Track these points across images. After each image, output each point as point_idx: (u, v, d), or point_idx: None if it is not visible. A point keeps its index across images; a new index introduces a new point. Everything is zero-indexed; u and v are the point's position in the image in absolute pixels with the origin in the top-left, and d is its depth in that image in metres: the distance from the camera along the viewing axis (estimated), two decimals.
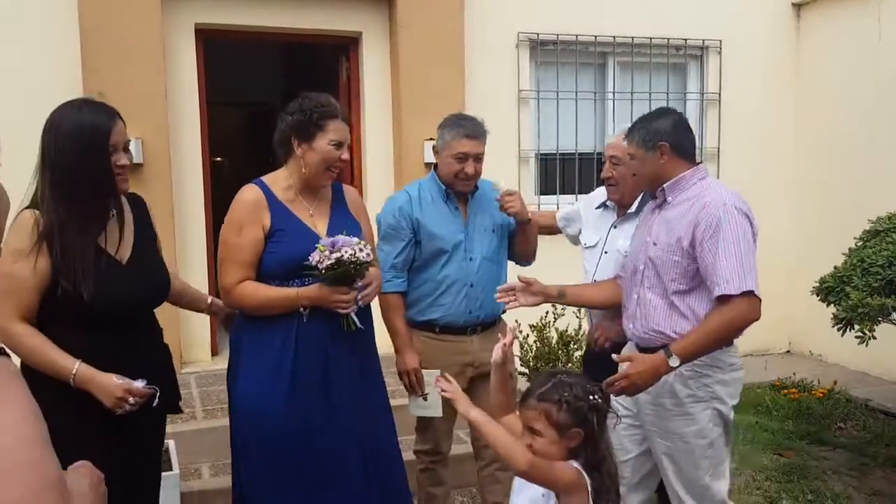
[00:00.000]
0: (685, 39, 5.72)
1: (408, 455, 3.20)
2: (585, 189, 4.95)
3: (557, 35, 5.35)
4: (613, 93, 5.65)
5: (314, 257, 2.29)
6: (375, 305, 2.62)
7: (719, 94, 5.86)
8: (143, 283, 2.19)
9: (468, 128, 2.88)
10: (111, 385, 2.02)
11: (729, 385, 2.45)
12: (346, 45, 5.10)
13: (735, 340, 2.45)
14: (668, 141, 2.44)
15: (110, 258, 2.11)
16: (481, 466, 3.05)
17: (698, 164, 2.51)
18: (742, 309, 2.28)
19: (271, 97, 7.52)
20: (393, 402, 3.90)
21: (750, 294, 2.27)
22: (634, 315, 2.53)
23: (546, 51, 5.41)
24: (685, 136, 2.50)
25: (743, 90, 5.88)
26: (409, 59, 4.90)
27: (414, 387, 2.90)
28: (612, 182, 2.84)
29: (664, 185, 2.46)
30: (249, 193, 2.46)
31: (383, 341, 2.80)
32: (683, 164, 2.46)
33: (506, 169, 5.15)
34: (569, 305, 3.07)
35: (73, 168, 2.02)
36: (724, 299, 2.28)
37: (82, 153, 2.02)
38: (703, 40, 5.79)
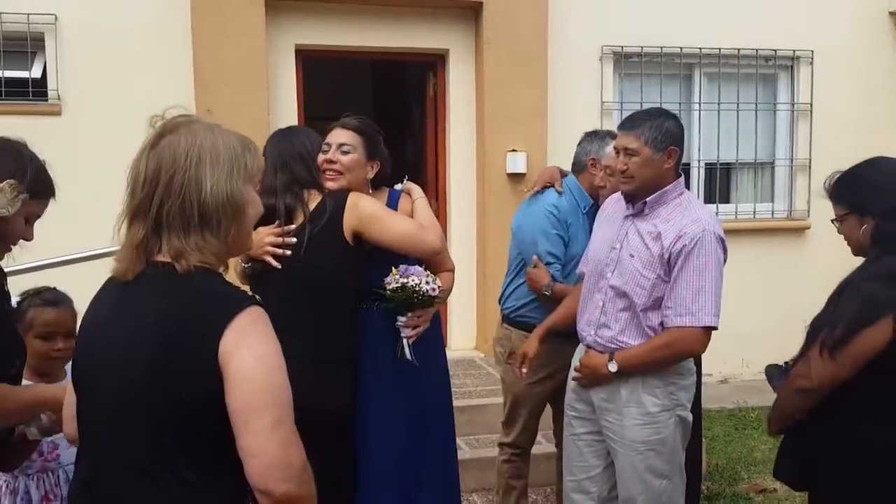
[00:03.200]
0: (775, 50, 5.65)
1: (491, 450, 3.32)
2: None
3: (642, 47, 5.42)
4: (700, 103, 5.65)
5: (387, 279, 2.43)
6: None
7: (811, 105, 5.75)
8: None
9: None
10: None
11: (689, 390, 2.48)
12: (434, 63, 5.34)
13: None
14: (679, 147, 2.38)
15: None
16: None
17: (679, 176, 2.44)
18: (691, 341, 2.31)
19: (365, 112, 7.87)
20: (476, 401, 4.07)
21: (705, 329, 2.28)
22: (597, 322, 2.48)
23: (630, 63, 5.48)
24: (682, 146, 2.43)
25: (837, 101, 5.75)
26: (494, 75, 5.09)
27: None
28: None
29: (647, 199, 2.39)
30: None
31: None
32: (673, 176, 2.40)
33: None
34: (546, 302, 2.96)
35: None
36: (680, 327, 2.30)
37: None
38: (794, 51, 5.70)
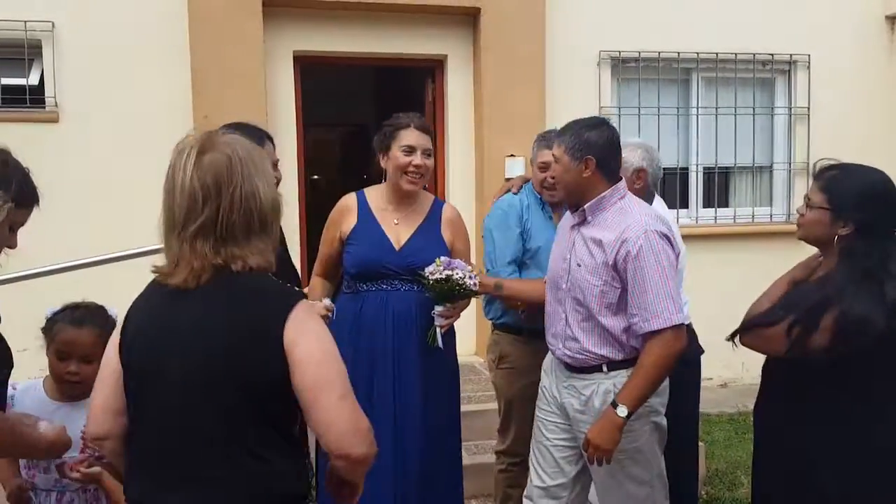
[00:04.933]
0: (772, 54, 5.66)
1: (489, 456, 3.32)
2: (668, 204, 4.97)
3: (639, 52, 5.42)
4: (697, 108, 5.66)
5: (429, 268, 2.51)
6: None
7: (808, 109, 5.75)
8: None
9: (549, 139, 2.98)
10: None
11: (661, 395, 2.46)
12: (432, 68, 5.34)
13: None
14: (596, 156, 2.38)
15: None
16: None
17: (618, 180, 2.45)
18: (670, 342, 2.28)
19: (363, 118, 7.89)
20: (477, 406, 4.04)
21: (675, 327, 2.28)
22: (563, 335, 2.48)
23: (628, 68, 5.48)
24: (614, 155, 2.44)
25: (834, 105, 5.75)
26: (492, 80, 5.09)
27: None
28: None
29: (585, 206, 2.41)
30: (343, 200, 2.77)
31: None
32: (605, 183, 2.41)
33: None
34: (506, 300, 2.96)
35: None
36: (651, 334, 2.28)
37: None
38: (791, 55, 5.71)
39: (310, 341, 1.44)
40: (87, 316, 2.08)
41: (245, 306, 1.44)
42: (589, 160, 2.38)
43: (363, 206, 2.73)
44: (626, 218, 2.36)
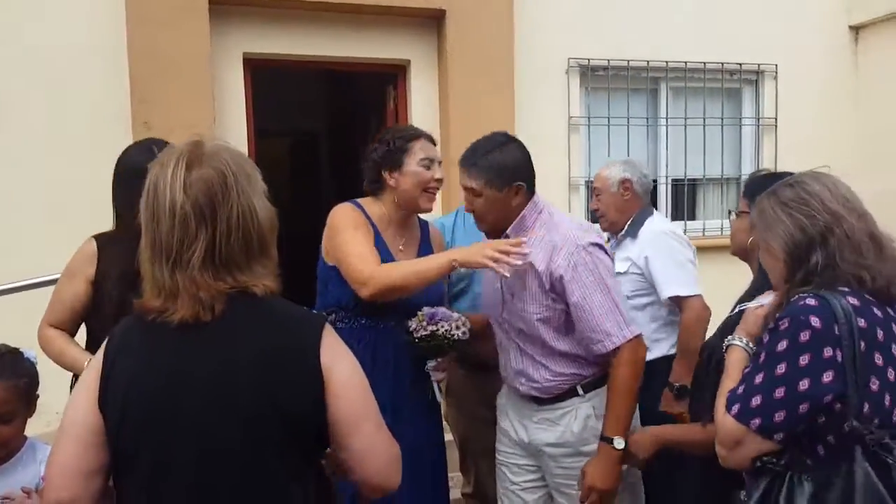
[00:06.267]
0: (740, 64, 5.55)
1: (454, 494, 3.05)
2: None
3: (608, 60, 5.23)
4: (666, 118, 5.49)
5: (412, 323, 2.23)
6: None
7: (776, 120, 5.66)
8: None
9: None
10: None
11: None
12: (394, 74, 5.03)
13: None
14: (524, 179, 2.18)
15: None
16: None
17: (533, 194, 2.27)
18: (632, 353, 2.14)
19: (316, 126, 7.51)
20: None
21: (633, 339, 2.14)
22: (522, 369, 2.27)
23: (597, 76, 5.28)
24: (532, 169, 2.26)
25: (800, 115, 5.68)
26: (458, 87, 4.81)
27: None
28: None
29: (508, 231, 2.23)
30: (354, 211, 2.36)
31: None
32: (525, 202, 2.23)
33: (556, 196, 5.01)
34: None
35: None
36: (613, 352, 2.13)
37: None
38: (759, 65, 5.61)
39: (345, 367, 1.36)
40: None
41: (278, 334, 1.32)
42: (519, 187, 2.19)
43: (373, 224, 2.36)
44: (553, 235, 2.18)
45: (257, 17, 4.62)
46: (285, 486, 1.31)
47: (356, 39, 4.78)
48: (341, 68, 5.11)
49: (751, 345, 1.70)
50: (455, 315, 2.26)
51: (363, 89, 5.91)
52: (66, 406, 1.37)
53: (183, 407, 1.27)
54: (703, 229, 5.66)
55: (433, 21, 4.89)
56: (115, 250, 2.10)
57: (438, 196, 4.82)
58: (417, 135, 2.37)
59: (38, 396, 1.82)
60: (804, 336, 1.49)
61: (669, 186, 5.58)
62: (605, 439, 2.10)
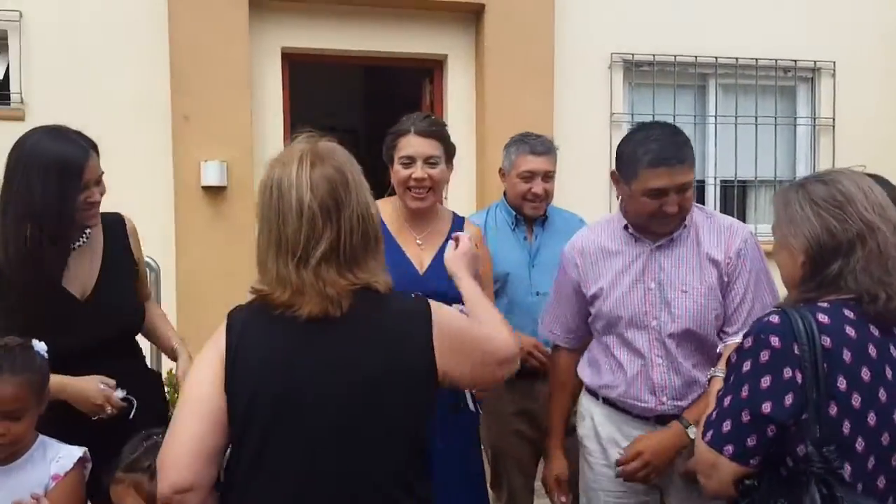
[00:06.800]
0: (795, 61, 5.29)
1: None
2: None
3: (654, 56, 5.05)
4: (715, 117, 5.28)
5: None
6: None
7: (833, 120, 5.38)
8: (103, 321, 1.98)
9: (534, 144, 2.70)
10: (91, 390, 1.90)
11: None
12: (431, 69, 4.98)
13: None
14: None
15: (66, 296, 1.94)
16: None
17: None
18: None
19: (351, 121, 7.51)
20: None
21: None
22: (670, 386, 2.04)
23: (641, 72, 5.11)
24: None
25: (859, 115, 5.37)
26: (496, 82, 4.73)
27: None
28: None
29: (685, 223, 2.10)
30: None
31: None
32: None
33: (596, 196, 4.87)
34: None
35: (40, 203, 1.83)
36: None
37: (56, 188, 1.84)
38: (815, 62, 5.34)
39: (449, 338, 1.42)
40: (3, 361, 1.66)
41: (400, 328, 1.38)
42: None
43: (383, 224, 2.25)
44: (722, 221, 2.12)
45: (296, 11, 4.64)
46: (411, 488, 1.37)
47: (393, 34, 4.75)
48: (378, 63, 5.10)
49: None
50: None
51: (399, 84, 5.88)
52: (184, 391, 1.39)
53: (317, 399, 1.31)
54: (754, 233, 5.39)
55: (472, 15, 4.82)
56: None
57: (471, 192, 4.86)
58: (406, 129, 2.21)
59: (48, 392, 1.75)
60: (764, 356, 1.41)
61: (718, 187, 5.36)
62: (683, 421, 1.99)
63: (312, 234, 1.32)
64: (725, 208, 5.40)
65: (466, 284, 1.67)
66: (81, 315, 1.95)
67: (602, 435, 2.16)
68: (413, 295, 1.49)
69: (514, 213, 2.74)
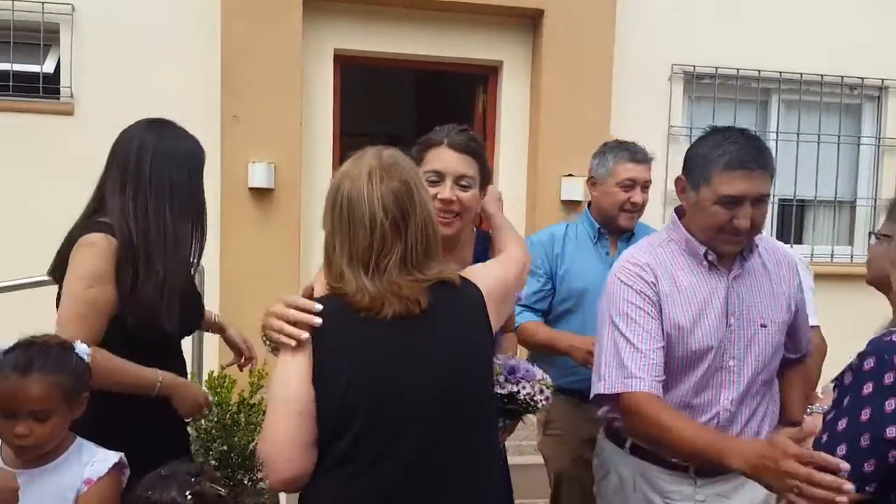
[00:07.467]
0: (862, 79, 5.10)
1: None
2: None
3: (716, 68, 4.89)
4: (777, 133, 5.09)
5: None
6: None
7: None
8: (191, 310, 2.02)
9: (634, 151, 2.56)
10: (197, 391, 1.99)
11: None
12: (485, 75, 4.85)
13: None
14: None
15: (191, 283, 2.03)
16: None
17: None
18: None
19: (402, 128, 7.41)
20: (521, 459, 3.52)
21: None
22: (750, 431, 1.87)
23: (702, 85, 4.95)
24: None
25: None
26: (552, 91, 4.59)
27: None
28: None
29: (755, 245, 1.90)
30: None
31: None
32: None
33: (651, 210, 4.66)
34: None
35: (185, 191, 1.93)
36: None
37: (191, 176, 1.96)
38: (883, 80, 5.14)
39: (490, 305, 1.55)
40: (35, 359, 1.55)
41: (470, 312, 1.49)
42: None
43: None
44: (774, 244, 2.03)
45: (349, 13, 4.55)
46: (493, 454, 1.55)
47: (448, 38, 4.64)
48: (431, 68, 4.97)
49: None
50: (538, 373, 1.82)
51: (452, 91, 5.75)
52: (272, 388, 1.42)
53: (412, 390, 1.39)
54: (812, 254, 5.21)
55: (529, 21, 4.69)
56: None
57: (522, 202, 4.72)
58: (436, 141, 1.84)
59: (86, 396, 1.64)
60: (888, 378, 1.31)
61: (776, 206, 5.17)
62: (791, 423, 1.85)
63: (383, 248, 1.39)
64: (783, 227, 5.21)
65: (497, 217, 1.89)
66: (188, 303, 1.96)
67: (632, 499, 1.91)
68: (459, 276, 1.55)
69: (597, 225, 2.59)
